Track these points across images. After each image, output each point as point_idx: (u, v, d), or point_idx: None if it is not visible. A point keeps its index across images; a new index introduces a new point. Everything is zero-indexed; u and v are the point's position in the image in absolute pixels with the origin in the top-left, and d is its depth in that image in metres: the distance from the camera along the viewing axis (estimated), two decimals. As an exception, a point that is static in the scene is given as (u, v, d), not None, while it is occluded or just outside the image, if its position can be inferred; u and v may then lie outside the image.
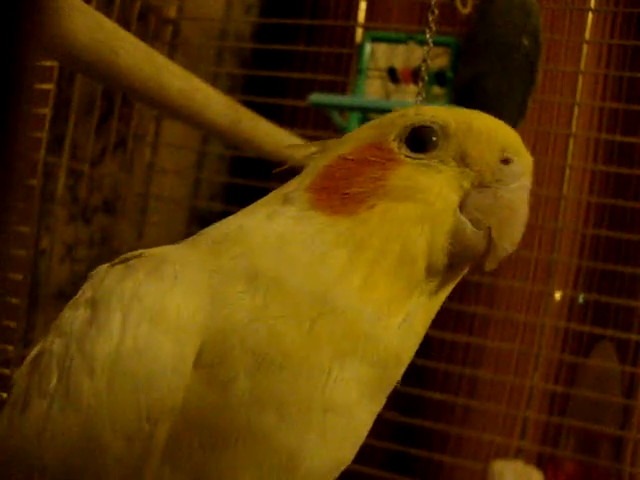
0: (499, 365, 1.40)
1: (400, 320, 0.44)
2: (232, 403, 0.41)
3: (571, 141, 1.28)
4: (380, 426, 1.55)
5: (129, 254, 0.46)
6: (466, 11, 1.20)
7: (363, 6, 1.41)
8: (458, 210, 0.44)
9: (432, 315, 0.47)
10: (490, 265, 0.45)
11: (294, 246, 0.44)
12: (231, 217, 0.48)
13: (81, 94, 1.10)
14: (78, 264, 1.11)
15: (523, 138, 0.47)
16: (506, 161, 0.45)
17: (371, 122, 0.50)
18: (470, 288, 1.42)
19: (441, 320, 1.50)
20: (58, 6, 0.55)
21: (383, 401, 0.48)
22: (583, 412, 1.34)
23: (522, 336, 1.39)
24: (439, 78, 1.20)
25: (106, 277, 0.45)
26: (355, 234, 0.44)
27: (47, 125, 0.96)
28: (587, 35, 1.28)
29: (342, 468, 0.48)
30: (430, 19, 0.90)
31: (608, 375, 1.39)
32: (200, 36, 1.46)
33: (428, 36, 0.90)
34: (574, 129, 1.27)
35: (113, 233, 1.26)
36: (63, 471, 0.41)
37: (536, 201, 1.37)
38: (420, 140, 0.46)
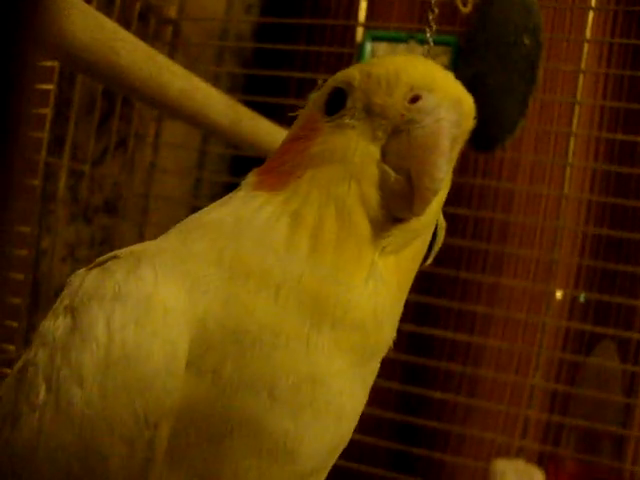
0: (500, 364, 1.40)
1: (363, 279, 0.43)
2: (222, 391, 0.40)
3: (572, 140, 1.28)
4: (382, 426, 1.55)
5: (104, 257, 0.46)
6: (467, 10, 1.20)
7: (364, 5, 1.40)
8: (381, 161, 0.44)
9: (408, 274, 0.46)
10: (418, 209, 0.43)
11: (243, 224, 0.45)
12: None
13: (82, 94, 1.10)
14: (79, 264, 1.11)
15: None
16: (415, 99, 0.43)
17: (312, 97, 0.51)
18: (471, 287, 1.42)
19: (442, 319, 1.51)
20: (58, 6, 0.55)
21: (375, 369, 0.48)
22: (584, 411, 1.34)
23: (523, 335, 1.39)
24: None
25: (83, 282, 0.44)
26: (289, 205, 0.44)
27: (48, 125, 0.96)
28: (588, 34, 1.27)
29: (342, 446, 0.48)
30: (430, 18, 0.90)
31: (609, 374, 1.39)
32: (200, 36, 1.46)
33: (428, 35, 0.89)
34: (575, 128, 1.27)
35: (114, 233, 1.26)
36: None
37: (537, 200, 1.38)
38: (334, 103, 0.46)
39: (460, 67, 1.18)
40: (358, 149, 0.44)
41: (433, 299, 1.35)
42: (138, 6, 1.22)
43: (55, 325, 0.43)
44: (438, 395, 1.34)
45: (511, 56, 1.14)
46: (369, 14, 1.41)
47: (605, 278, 1.35)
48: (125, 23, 1.08)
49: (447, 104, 0.43)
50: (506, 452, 1.34)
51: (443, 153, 0.42)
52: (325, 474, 0.49)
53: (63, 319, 0.43)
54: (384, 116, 0.44)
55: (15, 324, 0.94)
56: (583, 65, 1.26)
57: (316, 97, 0.49)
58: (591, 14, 1.28)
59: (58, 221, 1.10)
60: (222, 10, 1.53)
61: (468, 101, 0.46)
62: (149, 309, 0.41)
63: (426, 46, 0.90)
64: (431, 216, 0.46)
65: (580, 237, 1.41)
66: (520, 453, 1.31)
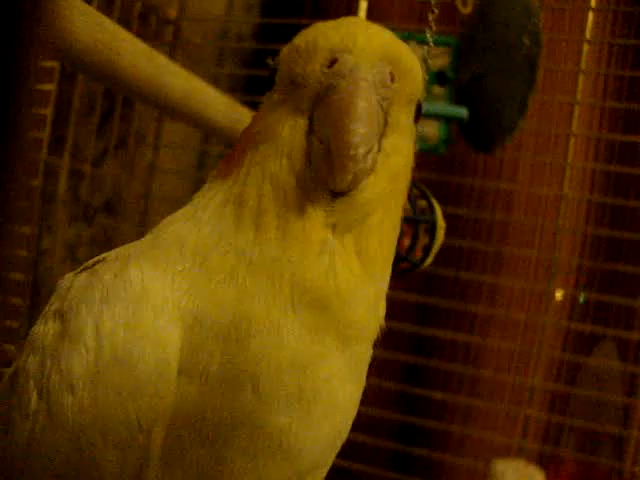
0: (500, 364, 1.40)
1: (315, 255, 0.41)
2: (211, 392, 0.40)
3: (571, 140, 1.28)
4: (382, 426, 1.55)
5: (91, 260, 0.46)
6: (467, 11, 1.20)
7: (364, 6, 1.40)
8: (310, 132, 0.42)
9: (375, 255, 0.44)
10: (337, 179, 0.40)
11: (199, 216, 0.44)
12: None
13: (82, 95, 1.10)
14: (79, 265, 1.11)
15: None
16: (332, 63, 0.42)
17: None
18: (471, 287, 1.42)
19: (442, 319, 1.51)
20: (59, 7, 0.55)
21: (363, 355, 0.46)
22: (584, 411, 1.34)
23: (523, 335, 1.39)
24: (440, 78, 1.20)
25: (72, 286, 0.44)
26: (234, 189, 0.44)
27: (48, 126, 0.96)
28: (588, 34, 1.27)
29: (341, 440, 0.47)
30: (430, 19, 0.90)
31: (609, 374, 1.39)
32: (201, 36, 1.46)
33: (428, 36, 0.89)
34: (574, 128, 1.27)
35: (114, 233, 1.26)
36: None
37: (536, 200, 1.38)
38: (271, 83, 0.46)
39: (460, 67, 1.18)
40: (286, 123, 0.43)
41: (433, 299, 1.35)
42: (138, 6, 1.22)
43: (45, 330, 0.43)
44: (438, 395, 1.34)
45: (511, 57, 1.14)
46: (369, 14, 1.41)
47: (605, 278, 1.35)
48: (125, 23, 1.08)
49: (368, 63, 0.41)
50: (506, 452, 1.33)
51: (358, 116, 0.39)
52: (325, 471, 0.48)
53: (52, 324, 0.42)
54: (305, 85, 0.43)
55: (15, 324, 0.94)
56: (583, 65, 1.26)
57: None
58: (591, 14, 1.28)
59: (58, 221, 1.10)
60: (222, 10, 1.53)
61: (403, 57, 0.43)
62: (138, 312, 0.40)
63: (426, 47, 0.90)
64: (380, 188, 0.43)
65: (580, 237, 1.41)
66: (520, 453, 1.31)
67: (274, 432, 0.41)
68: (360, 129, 0.39)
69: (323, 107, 0.41)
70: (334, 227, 0.42)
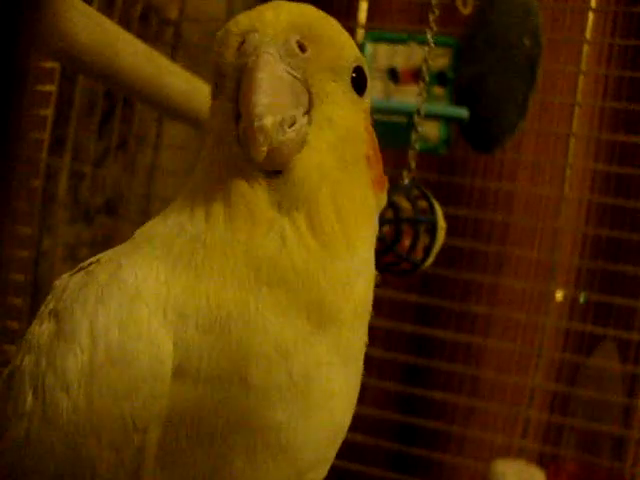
0: (501, 365, 1.40)
1: (263, 233, 0.41)
2: (204, 391, 0.40)
3: (572, 141, 1.28)
4: (382, 426, 1.55)
5: (86, 262, 0.46)
6: (467, 11, 1.20)
7: (364, 6, 1.41)
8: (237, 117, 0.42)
9: (334, 234, 0.42)
10: (251, 152, 0.40)
11: (169, 209, 0.46)
12: None
13: (82, 95, 1.10)
14: (80, 265, 1.11)
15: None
16: (241, 45, 0.42)
17: None
18: (471, 288, 1.42)
19: (442, 320, 1.51)
20: (59, 7, 0.55)
21: (345, 335, 0.44)
22: (585, 412, 1.34)
23: (523, 336, 1.39)
24: (440, 78, 1.20)
25: (67, 286, 0.44)
26: (191, 180, 0.46)
27: (49, 126, 0.96)
28: (588, 35, 1.28)
29: (340, 436, 0.46)
30: (431, 19, 0.90)
31: (609, 375, 1.39)
32: (201, 37, 1.46)
33: (429, 36, 0.90)
34: (575, 129, 1.27)
35: (115, 234, 1.26)
36: None
37: (537, 201, 1.38)
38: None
39: (460, 68, 1.18)
40: (219, 112, 0.44)
41: (433, 300, 1.35)
42: (139, 7, 1.22)
43: (40, 330, 0.43)
44: (438, 395, 1.34)
45: (511, 57, 1.14)
46: (369, 15, 1.41)
47: (605, 279, 1.35)
48: (126, 24, 1.08)
49: (271, 38, 0.41)
50: (506, 453, 1.34)
51: (258, 88, 0.39)
52: (325, 469, 0.47)
53: (48, 324, 0.42)
54: (226, 73, 0.43)
55: (15, 325, 0.94)
56: (583, 66, 1.26)
57: None
58: (591, 15, 1.28)
59: (59, 222, 1.10)
60: (223, 11, 1.53)
61: (312, 24, 0.43)
62: (132, 312, 0.40)
63: (426, 47, 0.90)
64: (318, 162, 0.43)
65: (580, 238, 1.41)
66: (520, 454, 1.31)
67: (272, 429, 0.40)
68: (262, 99, 0.39)
69: (239, 89, 0.42)
70: (280, 206, 0.42)
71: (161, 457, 0.40)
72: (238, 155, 0.42)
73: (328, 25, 0.44)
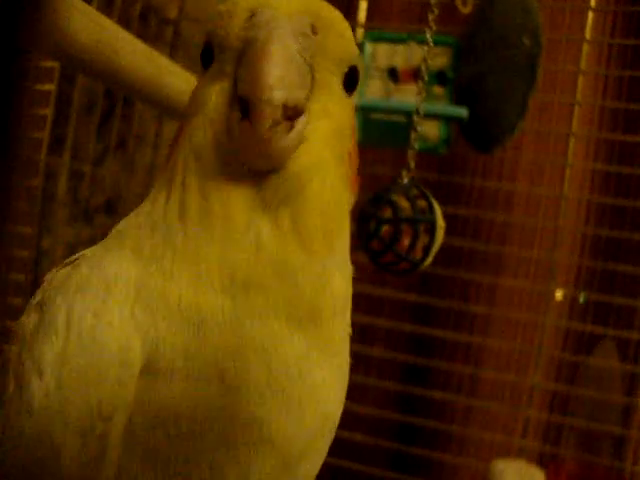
0: (500, 364, 1.40)
1: (239, 234, 0.39)
2: (180, 388, 0.39)
3: (571, 140, 1.28)
4: (382, 426, 1.55)
5: (73, 257, 0.46)
6: (467, 10, 1.20)
7: (364, 5, 1.41)
8: (234, 98, 0.40)
9: (316, 230, 0.41)
10: (259, 131, 0.37)
11: (145, 203, 0.44)
12: None
13: (82, 94, 1.10)
14: (79, 264, 1.11)
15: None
16: (250, 19, 0.40)
17: None
18: (471, 287, 1.42)
19: (442, 319, 1.51)
20: (59, 7, 0.55)
21: (326, 331, 0.43)
22: (584, 411, 1.34)
23: (523, 335, 1.39)
24: (440, 78, 1.20)
25: (54, 278, 0.44)
26: (168, 167, 0.43)
27: (48, 126, 0.96)
28: (587, 34, 1.28)
29: (330, 424, 0.45)
30: (430, 18, 0.90)
31: (609, 374, 1.39)
32: (201, 36, 1.46)
33: (428, 36, 0.90)
34: (574, 128, 1.27)
35: (114, 233, 1.26)
36: (25, 476, 0.40)
37: (536, 200, 1.38)
38: (206, 58, 0.44)
39: (460, 67, 1.18)
40: (212, 91, 0.42)
41: (433, 299, 1.35)
42: (138, 6, 1.22)
43: (26, 321, 0.43)
44: (438, 395, 1.34)
45: (511, 57, 1.14)
46: (369, 14, 1.41)
47: (605, 278, 1.35)
48: (125, 23, 1.08)
49: (285, 15, 0.39)
50: (506, 452, 1.34)
51: (273, 59, 0.37)
52: (318, 460, 0.46)
53: (33, 315, 0.43)
54: (227, 46, 0.41)
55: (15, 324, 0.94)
56: (583, 65, 1.26)
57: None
58: (591, 14, 1.28)
59: (58, 221, 1.10)
60: (222, 10, 1.53)
61: (323, 11, 0.42)
62: (107, 300, 0.40)
63: (426, 47, 0.90)
64: (314, 156, 0.41)
65: (580, 237, 1.41)
66: (520, 453, 1.31)
67: (252, 424, 0.40)
68: (275, 70, 0.37)
69: (243, 62, 0.39)
70: (264, 202, 0.40)
71: (141, 451, 0.40)
72: (222, 139, 0.40)
73: (337, 16, 0.43)
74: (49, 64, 0.90)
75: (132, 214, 0.45)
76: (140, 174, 1.35)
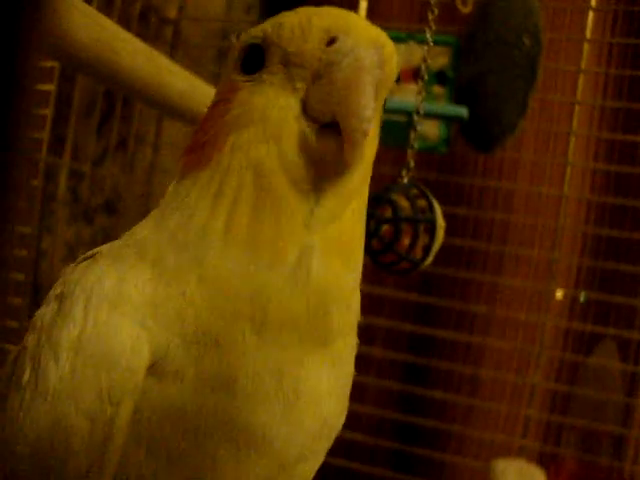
0: (500, 364, 1.40)
1: (293, 260, 0.40)
2: (188, 392, 0.40)
3: (572, 140, 1.28)
4: (382, 425, 1.55)
5: (89, 252, 0.47)
6: (467, 10, 1.20)
7: (364, 5, 1.40)
8: (302, 115, 0.41)
9: (352, 243, 0.43)
10: (349, 155, 0.38)
11: (168, 220, 0.43)
12: None
13: (82, 95, 1.10)
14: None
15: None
16: (331, 42, 0.40)
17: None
18: (471, 287, 1.42)
19: (442, 319, 1.50)
20: (59, 7, 0.55)
21: (346, 346, 0.44)
22: (585, 411, 1.34)
23: (523, 335, 1.39)
24: (440, 77, 1.20)
25: (73, 272, 0.45)
26: (214, 180, 0.42)
27: (48, 126, 0.96)
28: (588, 34, 1.28)
29: (329, 430, 0.46)
30: (430, 18, 0.90)
31: (609, 374, 1.39)
32: (201, 36, 1.46)
33: (428, 35, 0.90)
34: (575, 128, 1.27)
35: (115, 233, 1.26)
36: (33, 459, 0.41)
37: (537, 200, 1.38)
38: (251, 61, 0.43)
39: (460, 67, 1.18)
40: (276, 105, 0.41)
41: (433, 299, 1.35)
42: (138, 6, 1.22)
43: (45, 311, 0.44)
44: (438, 395, 1.34)
45: (511, 56, 1.14)
46: (369, 14, 1.41)
47: (605, 278, 1.35)
48: (125, 23, 1.08)
49: (365, 44, 0.40)
50: (506, 452, 1.34)
51: (367, 91, 0.38)
52: (316, 461, 0.47)
53: (52, 305, 0.44)
54: (301, 64, 0.41)
55: (15, 324, 0.94)
56: (583, 65, 1.26)
57: (230, 57, 0.46)
58: (591, 14, 1.28)
59: (58, 221, 1.10)
60: (222, 10, 1.53)
61: (388, 44, 0.43)
62: (122, 292, 0.41)
63: (426, 46, 0.90)
64: (363, 173, 0.43)
65: (580, 237, 1.41)
66: (520, 453, 1.31)
67: (256, 428, 0.41)
68: (370, 103, 0.38)
69: (323, 85, 0.40)
70: (316, 220, 0.40)
71: (146, 440, 0.41)
72: (291, 155, 0.40)
73: (393, 46, 0.44)
74: (49, 64, 0.90)
75: (151, 222, 0.45)
76: (140, 174, 1.35)
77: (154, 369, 0.40)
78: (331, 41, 0.40)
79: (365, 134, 0.38)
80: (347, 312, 0.43)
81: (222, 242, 0.40)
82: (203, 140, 0.44)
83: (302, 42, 0.41)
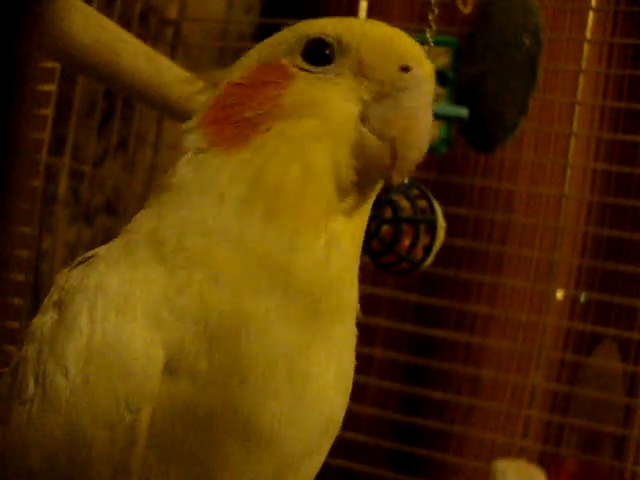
0: (501, 364, 1.40)
1: (322, 244, 0.42)
2: (201, 389, 0.40)
3: (572, 140, 1.28)
4: (382, 426, 1.55)
5: (83, 256, 0.46)
6: (467, 10, 1.20)
7: (364, 5, 1.40)
8: (360, 123, 0.43)
9: (357, 239, 0.45)
10: (397, 178, 0.43)
11: (193, 200, 0.43)
12: None
13: (82, 95, 1.10)
14: (80, 265, 1.11)
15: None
16: (405, 69, 0.43)
17: (260, 43, 0.48)
18: (471, 287, 1.42)
19: (443, 319, 1.50)
20: (59, 7, 0.55)
21: (346, 333, 0.46)
22: (585, 411, 1.34)
23: (524, 335, 1.39)
24: (440, 78, 1.20)
25: (69, 278, 0.45)
26: (252, 163, 0.42)
27: (49, 126, 0.96)
28: (588, 34, 1.27)
29: (334, 428, 0.47)
30: (431, 18, 0.90)
31: (610, 374, 1.39)
32: (201, 37, 1.46)
33: (429, 35, 0.90)
34: (575, 128, 1.27)
35: (115, 234, 1.26)
36: (50, 473, 0.40)
37: (537, 200, 1.38)
38: (314, 54, 0.44)
39: (460, 67, 1.18)
40: (340, 107, 0.43)
41: (434, 299, 1.35)
42: (139, 7, 1.22)
43: (43, 320, 0.44)
44: (439, 395, 1.34)
45: (511, 56, 1.14)
46: (369, 14, 1.41)
47: (605, 278, 1.35)
48: (126, 24, 1.08)
49: (429, 79, 0.44)
50: (507, 452, 1.33)
51: (428, 127, 0.43)
52: (318, 461, 0.47)
53: (51, 313, 0.43)
54: (374, 78, 0.43)
55: (16, 325, 0.94)
56: (583, 65, 1.26)
57: (275, 42, 0.46)
58: (591, 14, 1.28)
59: (59, 222, 1.10)
60: (222, 11, 1.53)
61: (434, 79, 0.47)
62: (129, 297, 0.41)
63: (426, 47, 0.90)
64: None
65: (580, 237, 1.41)
66: (521, 453, 1.31)
67: (266, 420, 0.41)
68: (427, 138, 0.43)
69: (389, 106, 0.43)
70: (345, 212, 0.43)
71: (158, 445, 0.41)
72: (343, 157, 0.42)
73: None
74: (49, 64, 0.90)
75: (157, 208, 0.45)
76: (140, 174, 1.35)
77: (168, 367, 0.40)
78: (404, 68, 0.43)
79: (416, 163, 0.42)
80: (350, 298, 0.45)
81: (259, 222, 0.41)
82: (240, 117, 0.43)
83: (382, 61, 0.43)
